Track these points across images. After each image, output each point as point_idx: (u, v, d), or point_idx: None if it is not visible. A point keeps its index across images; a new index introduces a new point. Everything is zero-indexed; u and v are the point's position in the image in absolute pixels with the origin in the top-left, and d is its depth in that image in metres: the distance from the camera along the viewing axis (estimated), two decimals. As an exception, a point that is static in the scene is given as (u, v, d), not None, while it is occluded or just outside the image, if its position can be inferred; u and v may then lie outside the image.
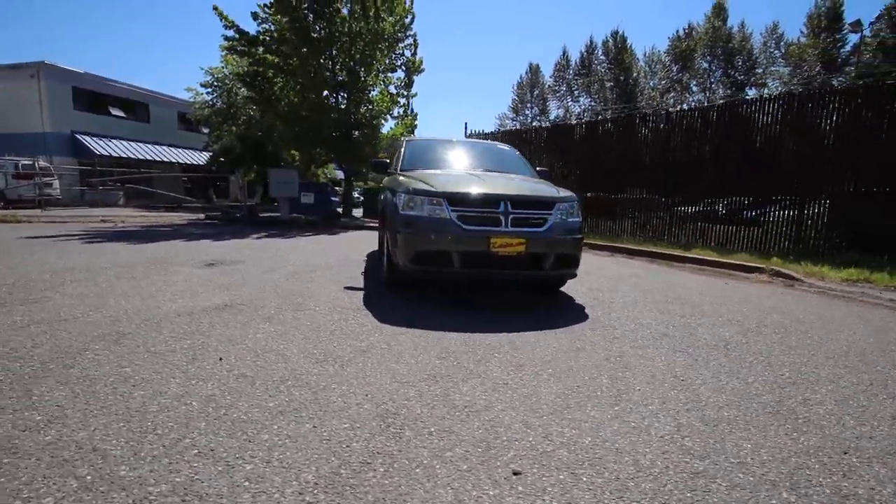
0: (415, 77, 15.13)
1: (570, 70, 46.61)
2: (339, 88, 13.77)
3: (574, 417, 1.88)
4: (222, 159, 22.95)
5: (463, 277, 3.64)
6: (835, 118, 7.32)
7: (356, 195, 28.85)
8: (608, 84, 45.87)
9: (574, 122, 41.16)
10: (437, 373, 2.29)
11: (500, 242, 3.40)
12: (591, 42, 45.40)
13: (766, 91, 40.40)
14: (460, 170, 4.54)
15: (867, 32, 35.66)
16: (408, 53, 14.84)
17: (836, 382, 2.37)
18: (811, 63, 36.81)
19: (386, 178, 4.82)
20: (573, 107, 47.29)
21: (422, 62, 14.98)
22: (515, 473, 1.48)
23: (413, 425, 1.76)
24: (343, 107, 13.84)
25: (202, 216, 13.91)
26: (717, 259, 6.81)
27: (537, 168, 5.09)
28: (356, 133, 14.20)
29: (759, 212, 8.23)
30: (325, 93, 13.71)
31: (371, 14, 12.66)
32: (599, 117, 40.23)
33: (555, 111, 48.35)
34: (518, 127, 50.01)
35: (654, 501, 1.37)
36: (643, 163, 9.57)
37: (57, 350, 2.38)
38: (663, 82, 44.50)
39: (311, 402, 1.91)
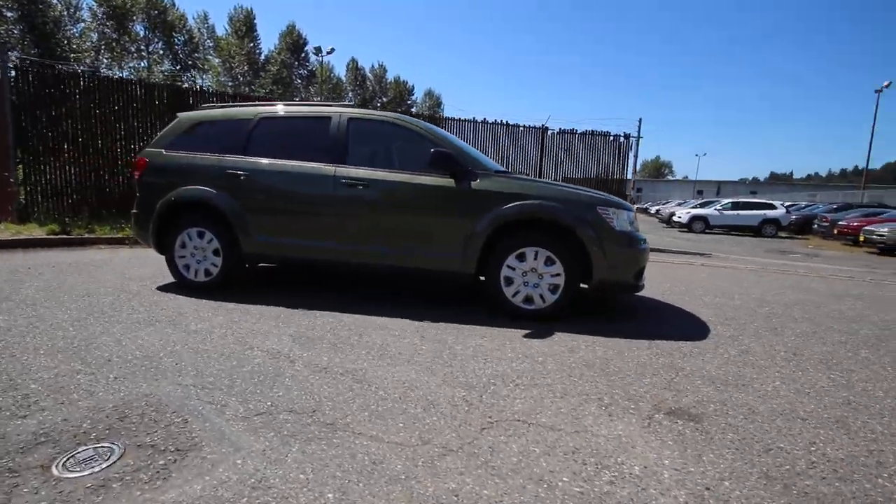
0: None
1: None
2: None
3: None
4: None
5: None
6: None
7: None
8: (10, 14, 31.99)
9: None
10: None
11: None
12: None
13: (206, 76, 43.66)
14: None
15: (273, 48, 46.99)
16: None
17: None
18: (240, 61, 43.69)
19: (455, 180, 3.43)
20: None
21: None
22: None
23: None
24: None
25: None
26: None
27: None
28: None
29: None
30: None
31: None
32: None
33: None
34: None
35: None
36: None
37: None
38: (94, 35, 36.91)
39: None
